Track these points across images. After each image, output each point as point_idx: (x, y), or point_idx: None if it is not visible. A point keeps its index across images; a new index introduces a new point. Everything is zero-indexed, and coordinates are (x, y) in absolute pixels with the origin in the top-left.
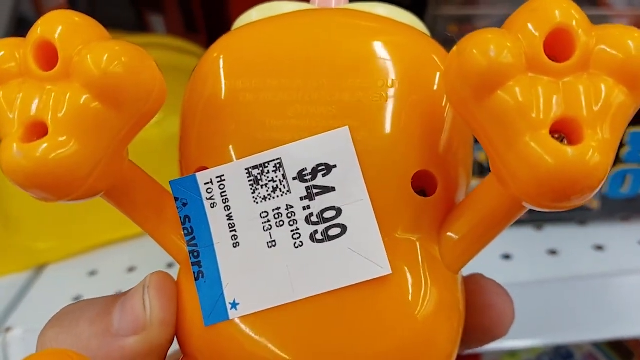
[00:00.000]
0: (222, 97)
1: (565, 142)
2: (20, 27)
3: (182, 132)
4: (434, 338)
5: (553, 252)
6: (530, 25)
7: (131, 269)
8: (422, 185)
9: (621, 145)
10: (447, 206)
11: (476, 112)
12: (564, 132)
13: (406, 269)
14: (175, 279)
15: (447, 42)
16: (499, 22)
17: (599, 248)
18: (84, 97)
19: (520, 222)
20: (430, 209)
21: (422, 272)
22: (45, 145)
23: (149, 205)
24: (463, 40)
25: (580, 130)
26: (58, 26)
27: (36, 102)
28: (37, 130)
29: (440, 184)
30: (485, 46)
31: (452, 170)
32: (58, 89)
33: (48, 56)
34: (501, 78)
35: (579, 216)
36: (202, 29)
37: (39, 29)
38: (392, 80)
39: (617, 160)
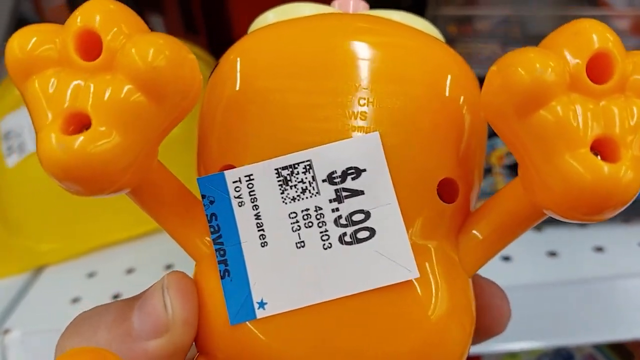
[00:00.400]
0: (251, 96)
1: (599, 159)
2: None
3: (203, 131)
4: (447, 340)
5: (553, 254)
6: (573, 48)
7: (130, 271)
8: (445, 191)
9: None
10: (465, 211)
11: (517, 128)
12: (598, 149)
13: (427, 272)
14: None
15: (447, 43)
16: (499, 23)
17: (599, 250)
18: (128, 89)
19: None
20: (451, 214)
21: (440, 275)
22: (88, 137)
23: (173, 204)
24: (504, 58)
25: (616, 148)
26: (97, 15)
27: (76, 92)
28: (76, 121)
29: (461, 191)
30: (530, 64)
31: (471, 177)
32: (100, 80)
33: (88, 46)
34: (545, 96)
35: None
36: (201, 29)
37: (79, 18)
38: (419, 87)
39: None
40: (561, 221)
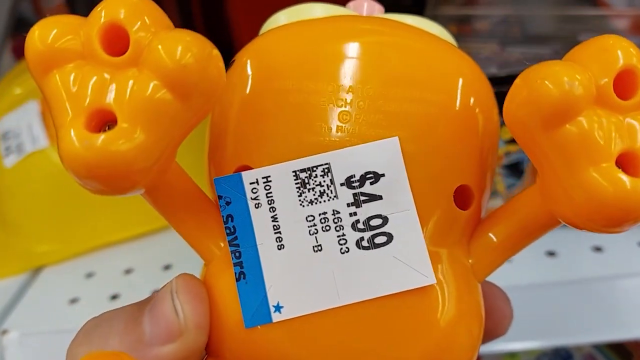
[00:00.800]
0: (269, 97)
1: (622, 173)
2: (19, 26)
3: (216, 131)
4: (456, 344)
5: (552, 254)
6: (598, 64)
7: (128, 271)
8: (460, 198)
9: None
10: (477, 217)
11: (541, 140)
12: (621, 163)
13: (440, 277)
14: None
15: None
16: (498, 23)
17: (598, 249)
18: (155, 86)
19: None
20: (465, 220)
21: (451, 281)
22: (112, 135)
23: (186, 205)
24: (530, 71)
25: (639, 163)
26: (122, 9)
27: (101, 88)
28: (99, 118)
29: (475, 198)
30: (558, 78)
31: (484, 183)
32: (126, 76)
33: (112, 40)
34: (573, 111)
35: None
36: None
37: (103, 12)
38: (439, 93)
39: None
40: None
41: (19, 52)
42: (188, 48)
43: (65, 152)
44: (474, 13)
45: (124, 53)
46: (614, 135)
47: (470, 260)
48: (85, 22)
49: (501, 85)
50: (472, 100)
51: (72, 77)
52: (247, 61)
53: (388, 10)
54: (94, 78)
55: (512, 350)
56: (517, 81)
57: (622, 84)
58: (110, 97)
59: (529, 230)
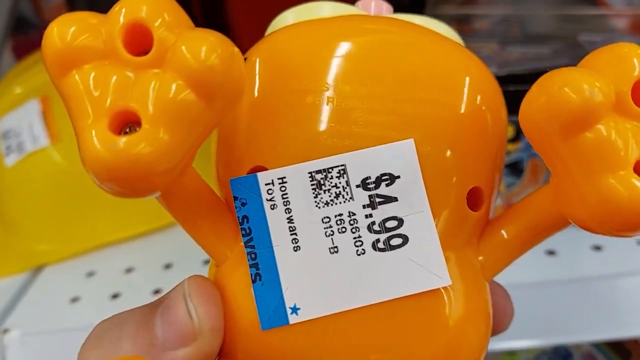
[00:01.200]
0: (284, 97)
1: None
2: (19, 26)
3: (225, 131)
4: (465, 344)
5: (551, 253)
6: (616, 72)
7: (129, 270)
8: (471, 199)
9: None
10: (486, 218)
11: (558, 145)
12: (637, 170)
13: (453, 279)
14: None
15: None
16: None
17: (598, 248)
18: (180, 87)
19: None
20: (476, 221)
21: (462, 281)
22: (137, 137)
23: (200, 207)
24: (547, 78)
25: None
26: (144, 6)
27: (124, 89)
28: (122, 119)
29: (486, 199)
30: (578, 85)
31: (493, 184)
32: (149, 77)
33: (134, 39)
34: (593, 118)
35: None
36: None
37: (124, 10)
38: (451, 94)
39: None
40: None
41: (19, 52)
42: (213, 48)
43: (87, 155)
44: (473, 12)
45: (144, 52)
46: (631, 143)
47: (480, 258)
48: (106, 20)
49: (501, 84)
50: (481, 100)
51: (92, 77)
52: (258, 60)
53: None
54: (115, 78)
55: (511, 349)
56: (533, 87)
57: (638, 92)
58: (133, 98)
59: (539, 230)
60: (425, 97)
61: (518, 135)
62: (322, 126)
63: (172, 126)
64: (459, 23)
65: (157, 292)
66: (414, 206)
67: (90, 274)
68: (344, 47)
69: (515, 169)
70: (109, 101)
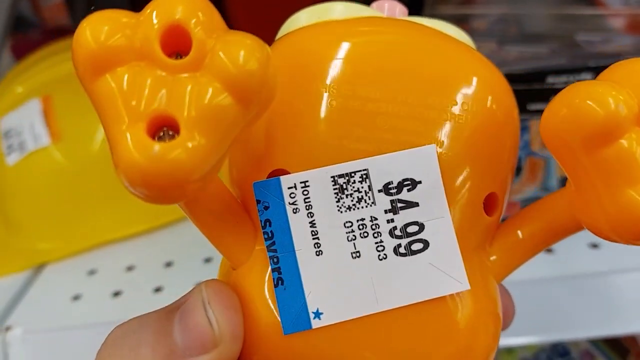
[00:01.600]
0: (307, 99)
1: None
2: (18, 25)
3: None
4: (477, 344)
5: (549, 250)
6: (635, 86)
7: (130, 268)
8: (487, 205)
9: None
10: (498, 221)
11: (581, 158)
12: None
13: (471, 283)
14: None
15: None
16: (496, 21)
17: (595, 246)
18: (218, 92)
19: None
20: (489, 225)
21: (476, 284)
22: (176, 142)
23: (221, 212)
24: (570, 89)
25: None
26: (180, 8)
27: (161, 93)
28: (159, 124)
29: (500, 204)
30: (602, 98)
31: (507, 188)
32: (186, 80)
33: (171, 41)
34: (618, 131)
35: None
36: None
37: (159, 11)
38: (476, 102)
39: None
40: None
41: (18, 51)
42: (251, 52)
43: (122, 160)
44: (471, 12)
45: (177, 54)
46: None
47: (492, 258)
48: (141, 21)
49: None
50: (496, 104)
51: (127, 80)
52: (277, 63)
53: None
54: (151, 81)
55: (510, 346)
56: (556, 98)
57: None
58: (171, 102)
59: (553, 233)
60: (444, 103)
61: None
62: (346, 130)
63: (209, 131)
64: (457, 23)
65: (158, 290)
66: (435, 211)
67: (92, 272)
68: (365, 51)
69: (518, 172)
70: (144, 105)
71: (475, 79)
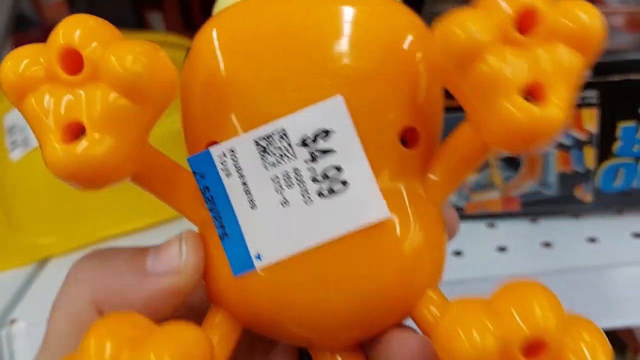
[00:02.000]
0: (224, 74)
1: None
2: (20, 24)
3: (184, 111)
4: (421, 265)
5: (547, 245)
6: (499, 2)
7: None
8: (408, 138)
9: (613, 139)
10: (428, 154)
11: (459, 81)
12: (531, 94)
13: (399, 210)
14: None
15: None
16: None
17: (593, 240)
18: (113, 95)
19: (515, 216)
20: (415, 158)
21: (410, 211)
22: (85, 143)
23: (170, 181)
24: (440, 20)
25: (543, 91)
26: (77, 31)
27: (69, 104)
28: (72, 129)
29: (421, 137)
30: (463, 22)
31: (431, 124)
32: (87, 91)
33: (72, 60)
34: (482, 50)
35: (573, 209)
36: (200, 26)
37: (60, 37)
38: (376, 47)
39: (610, 154)
40: (556, 213)
41: None
42: (137, 57)
43: (50, 163)
44: None
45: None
46: (519, 68)
47: (433, 178)
48: (46, 47)
49: None
50: (412, 51)
51: (44, 99)
52: (207, 38)
53: None
54: (62, 96)
55: None
56: (434, 29)
57: (525, 21)
58: (79, 110)
59: (468, 158)
60: (350, 55)
61: None
62: (261, 97)
63: (113, 129)
64: None
65: None
66: (350, 154)
67: None
68: (272, 20)
69: (512, 162)
70: (56, 117)
71: (381, 27)
